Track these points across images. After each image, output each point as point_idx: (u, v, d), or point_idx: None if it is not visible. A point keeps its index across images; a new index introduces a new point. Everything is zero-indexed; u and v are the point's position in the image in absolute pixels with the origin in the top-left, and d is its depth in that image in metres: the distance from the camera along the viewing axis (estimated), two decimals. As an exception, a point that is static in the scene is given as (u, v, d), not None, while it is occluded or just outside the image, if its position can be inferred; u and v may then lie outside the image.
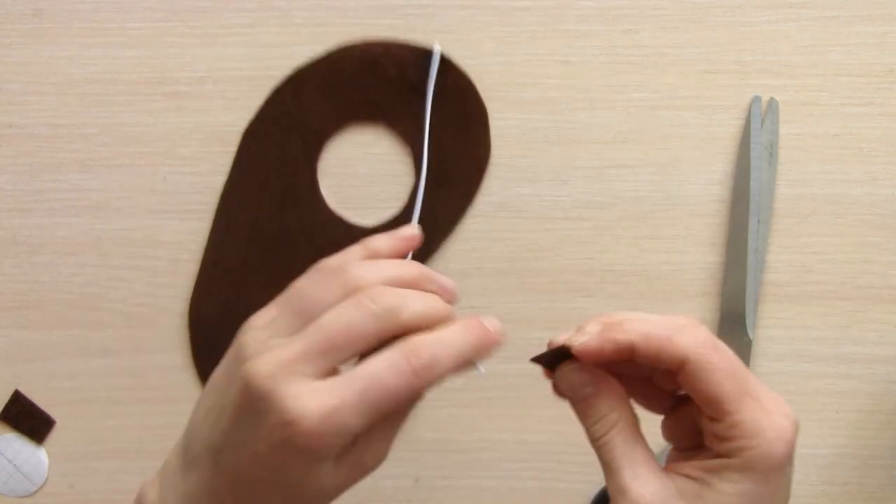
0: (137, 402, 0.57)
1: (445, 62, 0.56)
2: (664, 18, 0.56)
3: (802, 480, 0.56)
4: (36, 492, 0.57)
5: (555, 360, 0.40)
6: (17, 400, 0.57)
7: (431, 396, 0.57)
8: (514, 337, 0.57)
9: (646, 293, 0.56)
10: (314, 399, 0.37)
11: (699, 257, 0.56)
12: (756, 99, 0.56)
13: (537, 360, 0.42)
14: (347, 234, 0.56)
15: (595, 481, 0.56)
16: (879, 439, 0.57)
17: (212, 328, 0.57)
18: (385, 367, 0.38)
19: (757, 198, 0.55)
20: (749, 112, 0.56)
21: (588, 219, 0.57)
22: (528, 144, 0.57)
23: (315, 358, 0.38)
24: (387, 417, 0.39)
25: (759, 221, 0.56)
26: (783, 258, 0.56)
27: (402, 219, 0.57)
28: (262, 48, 0.57)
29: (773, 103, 0.56)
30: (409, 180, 0.57)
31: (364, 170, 0.57)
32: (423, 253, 0.56)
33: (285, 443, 0.37)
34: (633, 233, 0.57)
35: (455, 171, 0.56)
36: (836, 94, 0.56)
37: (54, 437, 0.57)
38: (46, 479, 0.57)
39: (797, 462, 0.56)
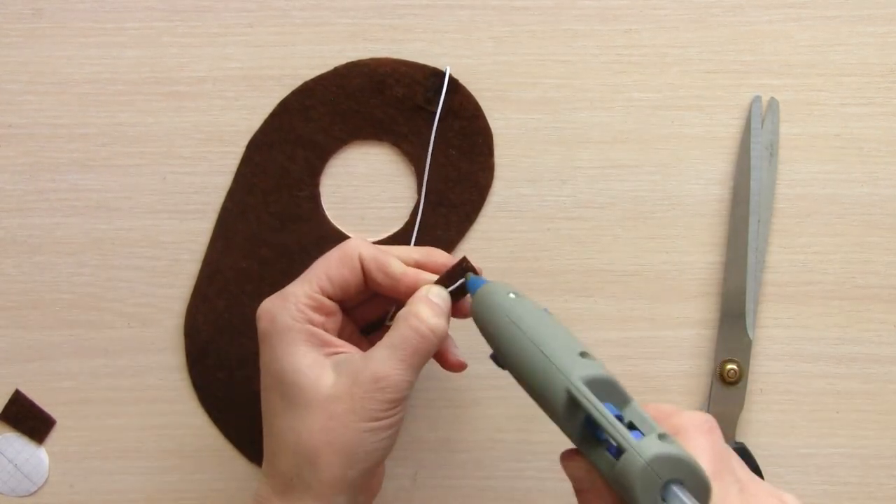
0: (137, 402, 0.57)
1: (453, 83, 0.56)
2: (664, 18, 0.56)
3: (802, 480, 0.56)
4: (36, 491, 0.57)
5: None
6: (18, 400, 0.57)
7: (432, 396, 0.57)
8: (515, 337, 0.57)
9: (646, 293, 0.56)
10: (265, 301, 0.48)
11: (699, 257, 0.56)
12: (756, 99, 0.56)
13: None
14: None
15: (595, 481, 0.56)
16: (879, 439, 0.57)
17: (206, 340, 0.57)
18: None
19: (757, 197, 0.55)
20: (749, 112, 0.56)
21: (588, 219, 0.57)
22: (528, 144, 0.57)
23: (302, 283, 0.48)
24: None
25: (759, 221, 0.56)
26: (783, 258, 0.56)
27: (402, 237, 0.57)
28: (262, 48, 0.57)
29: (773, 103, 0.56)
30: (411, 199, 0.57)
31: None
32: None
33: (260, 332, 0.48)
34: (633, 233, 0.57)
35: (457, 193, 0.56)
36: (836, 94, 0.56)
37: (54, 436, 0.57)
38: (47, 479, 0.57)
39: (797, 462, 0.57)
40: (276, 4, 0.57)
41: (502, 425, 0.57)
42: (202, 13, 0.56)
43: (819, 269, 0.56)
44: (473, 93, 0.56)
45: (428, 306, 0.47)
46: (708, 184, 0.56)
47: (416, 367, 0.46)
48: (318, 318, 0.47)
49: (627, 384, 0.56)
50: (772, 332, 0.57)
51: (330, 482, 0.45)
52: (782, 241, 0.57)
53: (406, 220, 0.57)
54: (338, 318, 0.49)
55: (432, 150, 0.56)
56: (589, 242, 0.57)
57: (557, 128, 0.56)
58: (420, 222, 0.57)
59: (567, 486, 0.58)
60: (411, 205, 0.57)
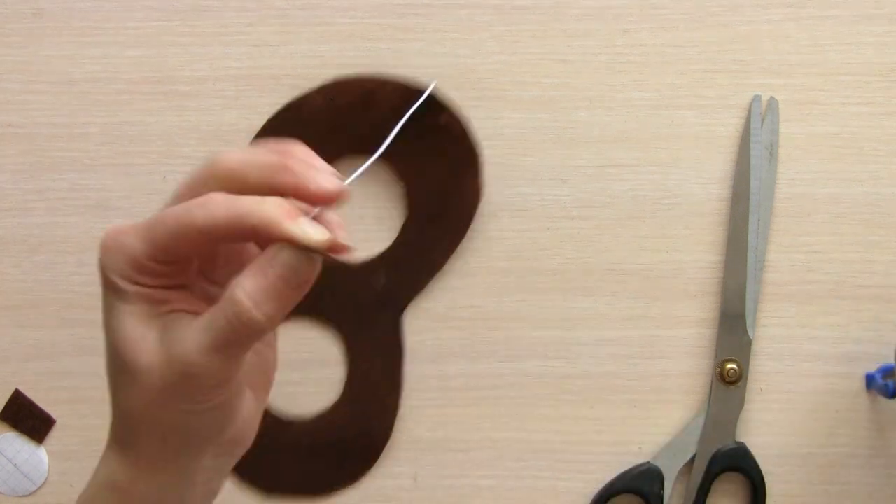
0: (137, 401, 0.57)
1: (440, 102, 0.56)
2: (664, 17, 0.56)
3: (802, 480, 0.56)
4: (36, 491, 0.57)
5: None
6: (17, 399, 0.57)
7: (431, 396, 0.57)
8: (515, 336, 0.57)
9: (645, 292, 0.56)
10: (109, 228, 0.38)
11: (699, 256, 0.56)
12: (756, 98, 0.56)
13: None
14: (333, 266, 0.56)
15: (595, 480, 0.56)
16: (879, 439, 0.57)
17: None
18: (171, 209, 0.38)
19: (757, 197, 0.55)
20: (749, 111, 0.56)
21: (588, 218, 0.57)
22: (528, 144, 0.57)
23: (143, 228, 0.38)
24: (235, 348, 0.38)
25: (759, 220, 0.56)
26: (783, 257, 0.56)
27: (390, 255, 0.56)
28: (262, 48, 0.57)
29: (773, 102, 0.56)
30: (399, 217, 0.57)
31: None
32: (410, 292, 0.56)
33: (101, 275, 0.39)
34: (633, 232, 0.57)
35: (446, 210, 0.56)
36: (836, 94, 0.56)
37: (54, 436, 0.57)
38: (46, 479, 0.57)
39: (797, 462, 0.56)
40: (276, 4, 0.57)
41: (502, 425, 0.57)
42: (202, 13, 0.57)
43: (819, 269, 0.56)
44: (473, 91, 0.56)
45: (254, 288, 0.36)
46: (708, 183, 0.56)
47: (234, 356, 0.38)
48: (149, 280, 0.38)
49: (627, 384, 0.57)
50: (772, 331, 0.56)
51: (157, 456, 0.40)
52: (782, 241, 0.56)
53: (395, 237, 0.57)
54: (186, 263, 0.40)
55: (421, 168, 0.56)
56: (589, 242, 0.57)
57: (557, 127, 0.56)
58: (408, 240, 0.56)
59: (566, 486, 0.58)
60: (399, 222, 0.57)
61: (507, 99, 0.56)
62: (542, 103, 0.56)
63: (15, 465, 0.57)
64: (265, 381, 0.44)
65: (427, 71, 0.57)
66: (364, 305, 0.56)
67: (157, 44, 0.57)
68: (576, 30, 0.56)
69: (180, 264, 0.39)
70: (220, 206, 0.36)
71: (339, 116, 0.56)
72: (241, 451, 0.43)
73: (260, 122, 0.56)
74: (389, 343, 0.56)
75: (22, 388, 0.57)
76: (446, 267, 0.56)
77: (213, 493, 0.44)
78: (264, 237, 0.36)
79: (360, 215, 0.57)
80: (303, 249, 0.36)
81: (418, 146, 0.56)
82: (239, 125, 0.57)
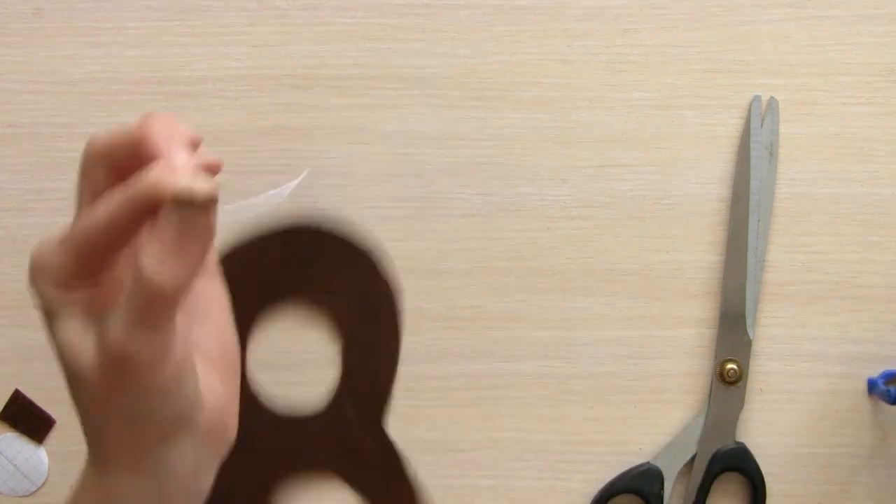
0: (137, 401, 0.57)
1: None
2: (664, 18, 0.56)
3: (803, 480, 0.56)
4: (36, 491, 0.57)
5: None
6: (17, 399, 0.57)
7: (430, 395, 0.57)
8: (515, 337, 0.57)
9: (645, 292, 0.56)
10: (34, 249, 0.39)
11: (699, 256, 0.56)
12: (756, 98, 0.56)
13: None
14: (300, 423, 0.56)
15: (595, 480, 0.56)
16: (879, 439, 0.57)
17: None
18: (81, 219, 0.39)
19: (757, 197, 0.55)
20: (749, 111, 0.56)
21: (588, 218, 0.57)
22: (528, 144, 0.57)
23: (62, 243, 0.38)
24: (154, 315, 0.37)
25: (759, 220, 0.56)
26: (783, 257, 0.56)
27: (344, 384, 0.56)
28: (262, 48, 0.57)
29: (773, 102, 0.56)
30: (336, 346, 0.56)
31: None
32: (381, 403, 0.56)
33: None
34: (633, 232, 0.57)
35: (373, 317, 0.56)
36: (836, 94, 0.56)
37: (54, 436, 0.57)
38: (46, 479, 0.57)
39: (797, 462, 0.56)
40: (276, 4, 0.57)
41: (502, 425, 0.57)
42: (202, 13, 0.57)
43: (819, 269, 0.56)
44: (473, 91, 0.56)
45: (153, 251, 0.35)
46: (707, 183, 0.56)
47: (156, 327, 0.36)
48: (80, 290, 0.39)
49: (627, 384, 0.57)
50: (772, 331, 0.56)
51: (125, 452, 0.40)
52: (782, 241, 0.56)
53: (340, 368, 0.56)
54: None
55: (335, 290, 0.56)
56: (589, 242, 0.57)
57: (557, 127, 0.56)
58: (353, 363, 0.56)
59: (566, 486, 0.58)
60: (338, 352, 0.57)
61: (507, 99, 0.56)
62: (542, 103, 0.56)
63: (15, 466, 0.57)
64: (229, 363, 0.44)
65: (427, 71, 0.57)
66: (346, 439, 0.56)
67: (157, 44, 0.57)
68: (576, 30, 0.56)
69: (106, 264, 0.39)
70: (113, 196, 0.37)
71: (269, 265, 0.56)
72: (222, 442, 0.43)
73: (260, 122, 0.56)
74: (387, 456, 0.56)
75: (22, 388, 0.57)
76: (445, 271, 0.57)
77: (202, 489, 0.43)
78: (158, 204, 0.36)
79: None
80: (190, 203, 0.35)
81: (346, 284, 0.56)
82: (239, 125, 0.57)
